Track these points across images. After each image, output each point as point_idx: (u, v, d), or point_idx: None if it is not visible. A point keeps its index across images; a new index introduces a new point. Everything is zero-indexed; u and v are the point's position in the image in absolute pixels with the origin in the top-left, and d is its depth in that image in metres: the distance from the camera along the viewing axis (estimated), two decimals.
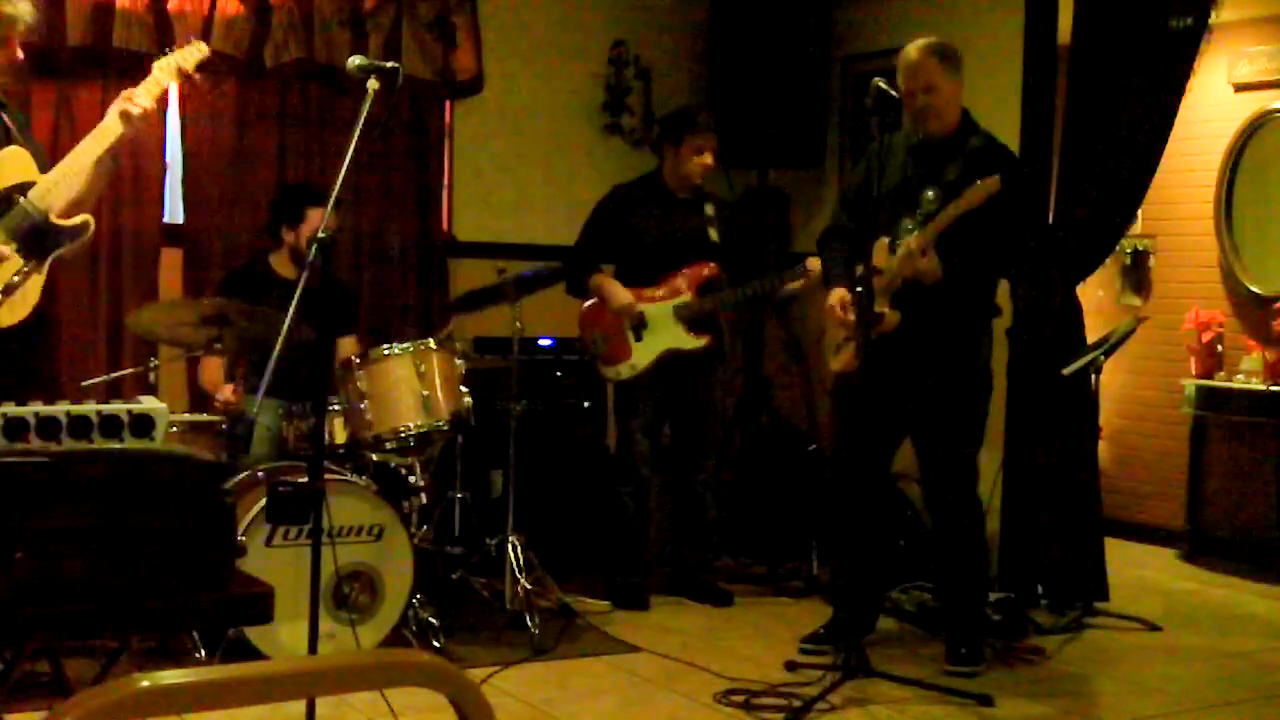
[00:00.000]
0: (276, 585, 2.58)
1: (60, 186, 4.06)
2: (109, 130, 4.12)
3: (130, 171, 5.32)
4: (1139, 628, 5.19)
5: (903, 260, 4.38)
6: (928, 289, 4.39)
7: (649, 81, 6.57)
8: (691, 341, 5.34)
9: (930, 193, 4.46)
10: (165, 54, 4.29)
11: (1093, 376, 5.33)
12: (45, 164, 4.14)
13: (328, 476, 3.81)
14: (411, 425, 4.51)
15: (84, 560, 2.28)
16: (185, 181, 5.59)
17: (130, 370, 4.83)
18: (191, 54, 4.30)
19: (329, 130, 5.72)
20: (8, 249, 3.95)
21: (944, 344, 4.52)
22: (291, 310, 3.81)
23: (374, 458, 4.65)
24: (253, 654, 4.05)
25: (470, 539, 5.12)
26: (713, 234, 5.41)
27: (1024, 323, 5.32)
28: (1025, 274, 5.20)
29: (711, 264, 5.37)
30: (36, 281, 4.05)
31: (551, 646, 4.65)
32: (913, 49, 4.50)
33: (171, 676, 1.33)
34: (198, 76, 4.54)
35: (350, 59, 3.78)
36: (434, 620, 4.55)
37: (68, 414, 2.54)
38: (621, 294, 5.32)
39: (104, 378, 4.71)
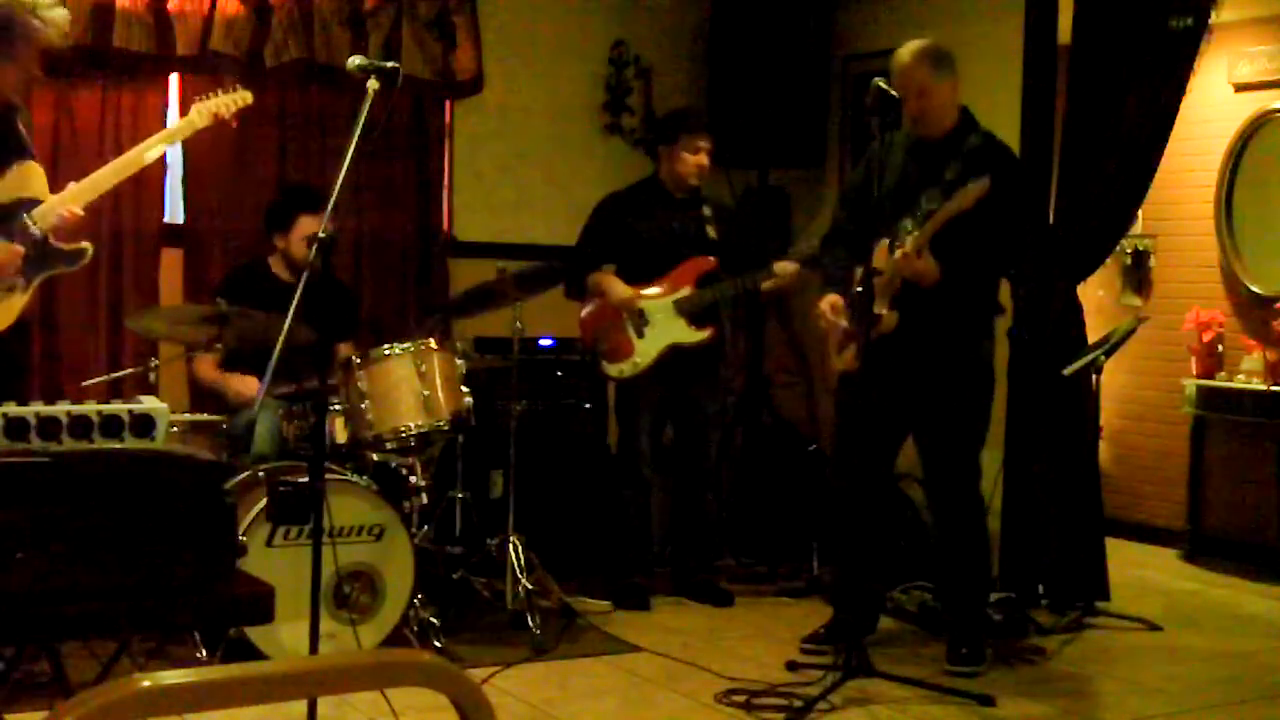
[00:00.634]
0: (277, 585, 2.58)
1: (83, 194, 4.12)
2: (132, 162, 4.24)
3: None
4: (1140, 628, 5.18)
5: (898, 262, 4.39)
6: (926, 290, 4.39)
7: (649, 81, 6.57)
8: (694, 335, 5.33)
9: (929, 193, 4.46)
10: (204, 99, 4.36)
11: (1093, 376, 5.33)
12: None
13: (328, 476, 3.81)
14: (412, 425, 4.51)
15: (84, 560, 2.28)
16: (185, 182, 5.59)
17: (130, 370, 4.83)
18: (234, 102, 4.37)
19: (329, 130, 5.72)
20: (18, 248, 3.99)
21: (945, 345, 4.52)
22: (291, 311, 3.81)
23: (374, 458, 4.65)
24: (253, 654, 4.05)
25: (471, 539, 5.12)
26: (711, 233, 5.41)
27: (1024, 322, 5.32)
28: (1025, 274, 5.20)
29: (710, 258, 5.37)
30: (19, 298, 4.06)
31: (552, 646, 4.65)
32: (904, 53, 4.50)
33: (171, 676, 1.33)
34: (234, 124, 4.58)
35: (350, 59, 3.78)
36: (435, 620, 4.54)
37: (68, 414, 2.54)
38: (621, 289, 5.32)
39: (104, 378, 4.71)
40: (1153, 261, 6.90)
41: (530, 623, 4.69)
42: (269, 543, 4.14)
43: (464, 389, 4.64)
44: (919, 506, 5.29)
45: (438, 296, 5.96)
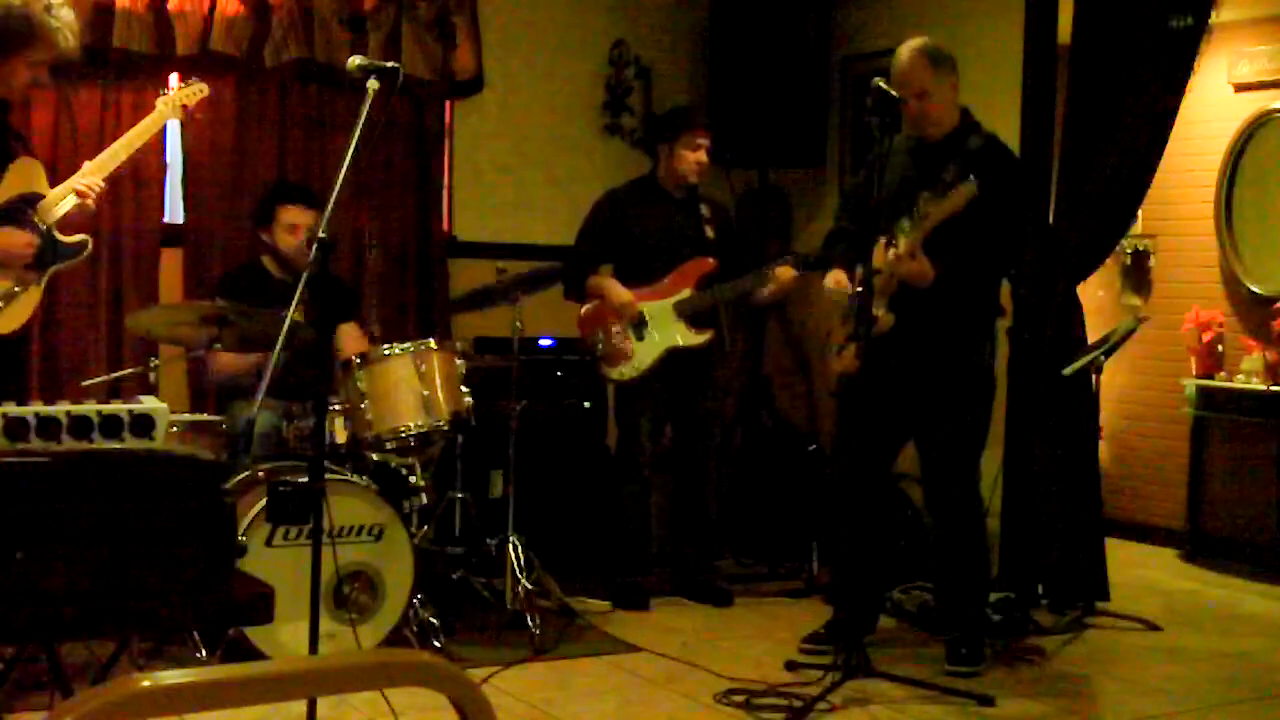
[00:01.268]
0: (277, 585, 2.57)
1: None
2: (115, 154, 4.34)
3: (130, 171, 5.31)
4: (1139, 628, 5.18)
5: (892, 262, 4.38)
6: (923, 291, 4.39)
7: (649, 81, 6.57)
8: (693, 338, 5.33)
9: (927, 194, 4.45)
10: (165, 93, 4.59)
11: (1093, 376, 5.33)
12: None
13: (328, 476, 3.81)
14: (412, 425, 4.51)
15: (84, 560, 2.28)
16: (185, 181, 5.59)
17: (130, 370, 4.83)
18: (194, 93, 4.63)
19: (329, 130, 5.72)
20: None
21: (943, 346, 4.51)
22: (290, 311, 3.81)
23: (374, 457, 4.65)
24: (253, 654, 4.05)
25: (471, 539, 5.12)
26: (709, 232, 5.40)
27: (1024, 322, 5.32)
28: (1025, 274, 5.20)
29: (710, 259, 5.37)
30: (35, 293, 4.10)
31: (552, 646, 4.65)
32: (903, 54, 4.49)
33: (171, 676, 1.33)
34: (198, 115, 4.86)
35: (350, 59, 3.77)
36: (434, 620, 4.54)
37: (68, 414, 2.54)
38: (619, 292, 5.32)
39: (104, 378, 4.71)
40: (1153, 261, 6.90)
41: (530, 623, 4.69)
42: (269, 543, 4.14)
43: (464, 389, 4.64)
44: (919, 506, 5.29)
45: (438, 296, 5.97)
